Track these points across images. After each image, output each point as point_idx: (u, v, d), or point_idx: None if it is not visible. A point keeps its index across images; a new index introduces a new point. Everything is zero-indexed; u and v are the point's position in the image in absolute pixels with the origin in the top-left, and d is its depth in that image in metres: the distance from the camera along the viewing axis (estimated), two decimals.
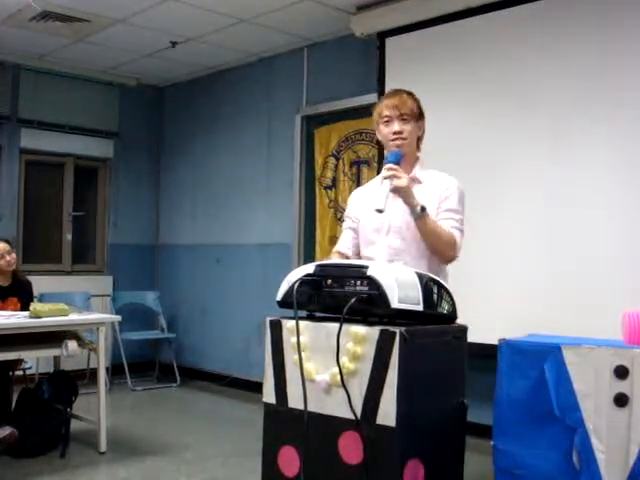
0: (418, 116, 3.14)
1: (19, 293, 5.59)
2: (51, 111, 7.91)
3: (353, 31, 6.04)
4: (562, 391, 2.41)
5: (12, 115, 7.68)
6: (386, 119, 3.11)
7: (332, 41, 6.69)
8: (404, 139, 3.08)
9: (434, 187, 3.06)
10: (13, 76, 7.69)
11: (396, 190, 2.87)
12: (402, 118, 3.08)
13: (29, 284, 5.76)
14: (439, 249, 2.97)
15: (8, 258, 5.51)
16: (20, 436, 5.06)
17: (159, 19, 6.32)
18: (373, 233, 3.12)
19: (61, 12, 6.19)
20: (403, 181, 2.87)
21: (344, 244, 3.29)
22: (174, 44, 7.03)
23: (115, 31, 6.67)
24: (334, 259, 3.18)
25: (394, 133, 3.07)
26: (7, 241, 5.65)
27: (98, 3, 5.99)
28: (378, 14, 5.79)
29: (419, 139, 3.21)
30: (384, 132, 3.13)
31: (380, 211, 2.84)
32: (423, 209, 2.88)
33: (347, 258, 3.22)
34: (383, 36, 5.88)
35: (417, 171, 3.13)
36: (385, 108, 3.12)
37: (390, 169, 2.89)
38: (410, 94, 3.17)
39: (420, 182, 3.08)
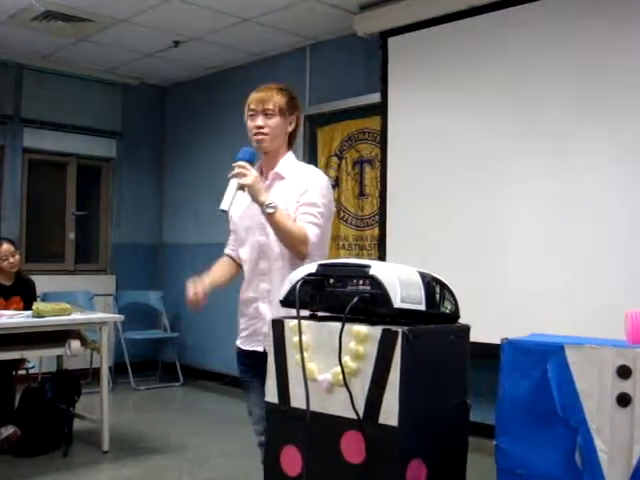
0: (287, 111, 3.08)
1: (22, 292, 5.61)
2: (54, 111, 7.92)
3: (356, 30, 6.04)
4: (565, 391, 2.40)
5: (15, 115, 7.70)
6: (251, 113, 3.08)
7: (335, 40, 6.69)
8: (265, 134, 3.03)
9: (295, 182, 3.00)
10: (16, 76, 7.70)
11: (242, 188, 2.84)
12: (265, 113, 3.04)
13: (32, 283, 5.78)
14: (290, 245, 2.89)
15: (11, 260, 5.52)
16: (23, 435, 5.08)
17: (161, 19, 6.33)
18: (244, 231, 3.11)
19: (64, 12, 6.20)
20: (248, 179, 2.82)
21: (229, 246, 3.32)
22: (177, 44, 7.04)
23: (118, 31, 6.67)
24: (221, 261, 3.29)
25: (256, 127, 3.04)
26: (11, 242, 5.67)
27: (101, 3, 6.00)
28: (381, 13, 5.79)
29: (291, 134, 3.14)
30: (249, 126, 3.08)
31: (224, 211, 2.85)
32: (269, 206, 2.81)
33: (232, 259, 3.28)
34: (386, 35, 5.88)
35: (281, 166, 3.07)
36: (251, 102, 3.09)
37: (238, 167, 2.86)
38: (281, 89, 3.13)
39: (283, 178, 3.04)
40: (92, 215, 8.51)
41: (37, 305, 5.06)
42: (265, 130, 3.03)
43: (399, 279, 2.34)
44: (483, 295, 4.94)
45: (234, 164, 2.88)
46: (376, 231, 6.14)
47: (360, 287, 2.39)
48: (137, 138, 8.57)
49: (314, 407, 2.40)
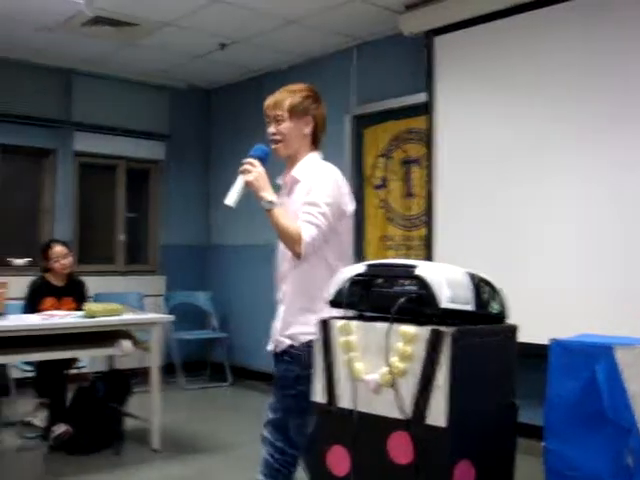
0: (300, 113, 3.05)
1: (74, 293, 5.70)
2: (104, 114, 8.03)
3: (401, 30, 6.02)
4: (614, 392, 2.38)
5: (66, 119, 7.82)
6: (267, 120, 3.09)
7: (381, 40, 6.68)
8: (278, 141, 3.04)
9: (306, 182, 2.97)
10: (67, 81, 7.83)
11: (247, 185, 2.89)
12: (276, 119, 3.05)
13: (83, 284, 5.87)
14: (285, 244, 2.88)
15: (64, 261, 5.62)
16: (75, 433, 5.16)
17: (207, 22, 6.38)
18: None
19: (112, 17, 6.29)
20: (250, 175, 2.87)
21: None
22: (223, 46, 7.08)
23: (164, 34, 6.75)
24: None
25: (270, 134, 3.06)
26: (64, 243, 5.77)
27: (147, 7, 6.07)
28: (426, 13, 5.77)
29: (314, 134, 3.13)
30: (267, 133, 3.09)
31: (226, 206, 2.89)
32: (267, 203, 2.84)
33: None
34: (431, 34, 5.85)
35: (297, 169, 3.04)
36: (264, 108, 3.10)
37: (246, 163, 2.91)
38: (293, 91, 3.11)
39: (299, 181, 3.00)
40: (142, 217, 8.62)
41: (89, 306, 5.14)
42: (277, 137, 3.04)
43: (446, 279, 2.34)
44: (531, 295, 4.89)
45: (243, 160, 2.92)
46: (423, 231, 6.12)
47: (407, 287, 2.40)
48: (185, 140, 8.65)
49: (361, 407, 2.41)
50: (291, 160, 3.07)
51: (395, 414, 2.31)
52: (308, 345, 2.84)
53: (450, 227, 5.69)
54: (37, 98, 7.60)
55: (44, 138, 7.72)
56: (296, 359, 2.91)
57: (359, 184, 6.92)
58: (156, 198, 8.62)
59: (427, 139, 5.98)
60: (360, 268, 2.60)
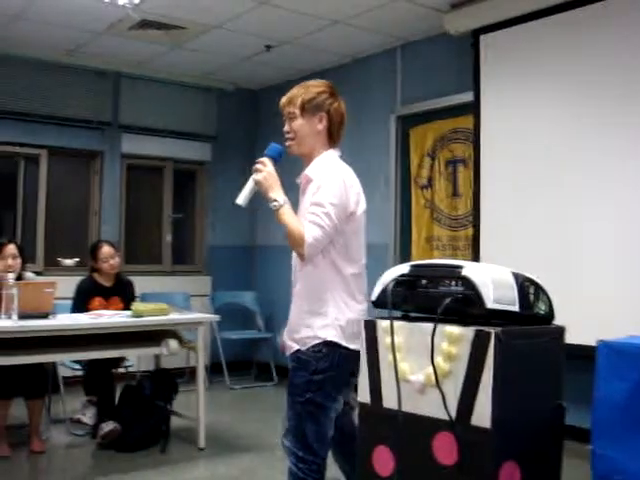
0: (311, 109, 2.98)
1: (122, 293, 5.77)
2: (151, 116, 8.12)
3: (447, 29, 5.99)
4: None
5: (113, 121, 7.92)
6: (283, 118, 3.05)
7: (426, 40, 6.66)
8: (291, 139, 3.00)
9: (316, 182, 2.90)
10: (114, 84, 7.93)
11: (256, 184, 2.90)
12: (289, 117, 3.00)
13: (131, 284, 5.93)
14: (291, 245, 2.85)
15: (111, 262, 5.68)
16: (123, 431, 5.22)
17: (253, 24, 6.41)
18: None
19: (159, 20, 6.36)
20: (259, 175, 2.87)
21: None
22: (269, 48, 7.12)
23: (211, 37, 6.80)
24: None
25: (285, 133, 3.02)
26: (111, 244, 5.84)
27: (194, 10, 6.13)
28: (472, 11, 5.73)
29: (330, 131, 3.04)
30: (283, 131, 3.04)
31: (237, 204, 2.92)
32: (274, 203, 2.85)
33: None
34: (477, 33, 5.81)
35: (310, 168, 2.98)
36: (280, 107, 3.07)
37: (258, 162, 2.91)
38: (307, 86, 3.05)
39: (311, 180, 2.94)
40: (188, 218, 8.69)
41: (136, 305, 5.20)
42: (290, 135, 3.01)
43: (492, 280, 2.33)
44: (578, 296, 4.84)
45: (257, 160, 2.91)
46: (470, 231, 6.09)
47: (452, 288, 2.39)
48: (231, 142, 8.70)
49: (406, 408, 2.41)
50: (307, 158, 3.03)
51: (440, 415, 2.31)
52: (314, 350, 2.84)
53: (496, 227, 5.65)
54: (85, 100, 7.71)
55: (92, 140, 7.83)
56: (304, 364, 2.87)
57: (405, 184, 6.90)
58: (202, 199, 8.69)
59: (473, 139, 5.94)
60: (404, 268, 2.59)
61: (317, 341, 2.83)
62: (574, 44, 5.17)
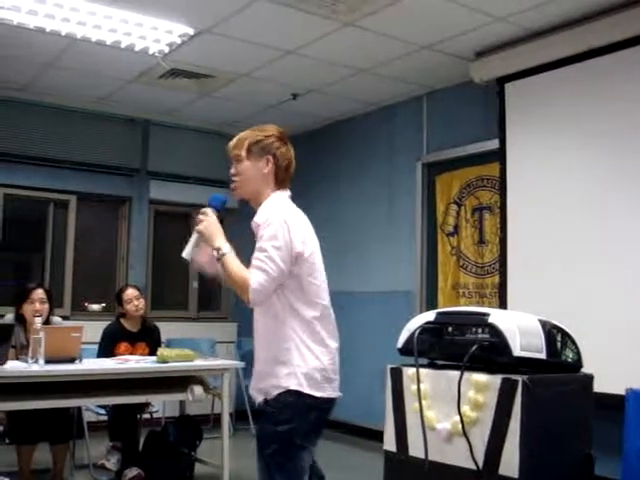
0: (258, 152, 2.95)
1: (147, 338, 5.79)
2: (178, 163, 8.22)
3: (472, 77, 6.03)
4: None
5: (142, 168, 8.02)
6: (231, 162, 3.00)
7: (451, 88, 6.70)
8: (235, 181, 2.97)
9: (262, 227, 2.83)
10: (143, 131, 8.05)
11: (198, 234, 2.86)
12: (236, 159, 2.96)
13: (157, 330, 5.95)
14: (237, 292, 2.78)
15: (136, 303, 5.72)
16: (146, 477, 5.20)
17: (280, 72, 6.50)
18: None
19: (188, 69, 6.47)
20: (202, 225, 2.84)
21: None
22: (295, 96, 7.20)
23: (238, 85, 6.89)
24: None
25: (231, 176, 2.99)
26: (137, 287, 5.88)
27: (222, 59, 6.23)
28: (497, 59, 5.77)
29: (277, 174, 2.97)
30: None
31: (183, 258, 2.87)
32: (217, 253, 2.78)
33: None
34: (502, 81, 5.84)
35: (258, 214, 2.92)
36: (227, 149, 3.04)
37: (200, 212, 2.88)
38: (254, 130, 3.04)
39: (259, 225, 2.86)
40: None
41: (162, 351, 5.20)
42: (236, 177, 2.97)
43: (519, 327, 2.31)
44: (607, 344, 4.77)
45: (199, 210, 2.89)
46: (497, 279, 6.05)
47: (479, 335, 2.38)
48: None
49: (433, 456, 2.38)
50: (254, 203, 2.98)
51: (467, 464, 2.28)
52: (278, 400, 2.75)
53: (523, 274, 5.61)
54: (115, 147, 7.84)
55: (121, 186, 7.93)
56: (268, 416, 2.80)
57: (431, 231, 6.90)
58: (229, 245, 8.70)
59: (500, 186, 5.94)
60: (430, 316, 2.59)
61: (280, 390, 2.74)
62: (599, 92, 5.18)
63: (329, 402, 2.71)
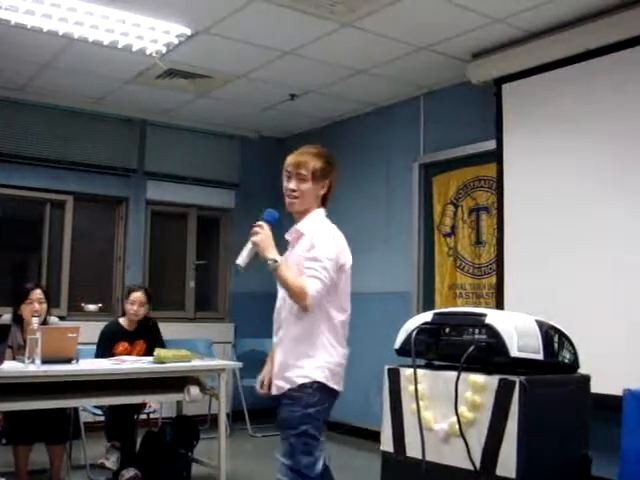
0: (320, 176, 3.24)
1: (145, 335, 5.78)
2: (175, 164, 8.21)
3: (469, 78, 6.03)
4: None
5: (139, 168, 8.01)
6: (287, 175, 3.27)
7: (448, 89, 6.71)
8: (296, 197, 3.23)
9: (308, 238, 3.16)
10: (140, 131, 8.04)
11: (254, 245, 3.11)
12: (299, 177, 3.21)
13: (155, 324, 5.94)
14: (292, 299, 3.05)
15: (136, 308, 5.71)
16: (143, 478, 5.19)
17: (278, 73, 6.50)
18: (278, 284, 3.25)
19: (185, 70, 6.47)
20: (257, 237, 3.10)
21: None
22: (293, 97, 7.20)
23: (236, 86, 6.89)
24: None
25: (289, 190, 3.24)
26: (146, 292, 5.85)
27: (220, 60, 6.23)
28: (494, 60, 5.77)
29: (325, 196, 3.32)
30: (284, 186, 3.29)
31: (238, 266, 3.15)
32: (272, 263, 3.04)
33: None
34: (499, 82, 5.84)
35: (302, 224, 3.25)
36: (287, 164, 3.28)
37: (256, 225, 3.14)
38: (317, 154, 3.29)
39: (302, 234, 3.21)
40: (211, 264, 8.72)
41: (159, 351, 5.20)
42: (296, 194, 3.23)
43: (516, 328, 2.32)
44: (604, 345, 4.78)
45: (256, 223, 3.15)
46: (493, 279, 6.06)
47: (476, 336, 2.38)
48: (255, 189, 8.74)
49: (430, 457, 2.39)
50: (300, 215, 3.28)
51: (464, 464, 2.28)
52: (301, 387, 3.05)
53: (520, 275, 5.62)
54: (111, 148, 7.83)
55: (117, 186, 7.92)
56: (296, 400, 3.06)
57: (428, 232, 6.90)
58: (226, 246, 8.72)
59: (497, 187, 5.95)
60: (427, 317, 2.59)
61: (307, 380, 3.04)
62: (596, 93, 5.19)
63: (338, 395, 3.08)
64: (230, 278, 8.65)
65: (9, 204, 7.45)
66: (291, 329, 3.15)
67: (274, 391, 3.19)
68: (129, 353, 5.59)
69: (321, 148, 3.38)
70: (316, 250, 3.07)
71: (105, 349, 5.56)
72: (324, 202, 3.34)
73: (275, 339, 3.27)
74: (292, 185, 3.22)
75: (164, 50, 5.96)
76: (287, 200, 3.25)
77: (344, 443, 7.20)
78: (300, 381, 3.05)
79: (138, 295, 5.76)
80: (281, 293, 3.22)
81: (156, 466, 5.24)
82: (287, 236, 3.33)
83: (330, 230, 3.22)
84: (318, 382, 3.03)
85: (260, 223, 3.14)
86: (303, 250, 3.13)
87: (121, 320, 5.80)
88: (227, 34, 5.64)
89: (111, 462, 5.45)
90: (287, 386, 3.10)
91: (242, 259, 3.14)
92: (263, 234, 3.10)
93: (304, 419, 3.00)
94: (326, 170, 3.28)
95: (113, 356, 5.40)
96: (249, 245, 3.15)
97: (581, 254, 5.20)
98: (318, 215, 3.28)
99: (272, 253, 3.07)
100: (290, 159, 3.28)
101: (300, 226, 3.24)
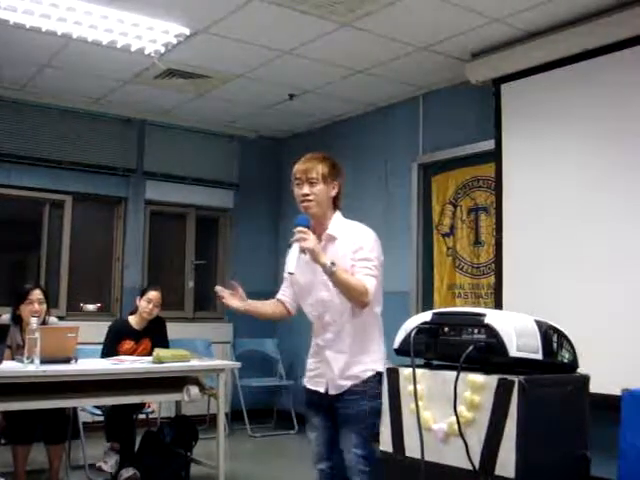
0: (329, 178, 3.37)
1: (151, 333, 5.78)
2: (174, 164, 8.21)
3: (468, 78, 6.03)
4: None
5: (138, 168, 8.01)
6: (297, 182, 3.38)
7: (447, 89, 6.71)
8: (310, 200, 3.32)
9: (348, 240, 3.27)
10: (139, 131, 8.03)
11: (304, 251, 3.14)
12: (310, 182, 3.33)
13: (162, 322, 5.94)
14: (352, 298, 3.14)
15: (151, 306, 5.72)
16: (142, 477, 5.19)
17: (277, 73, 6.50)
18: (305, 289, 3.39)
19: (184, 69, 6.47)
20: (309, 243, 3.12)
21: (280, 292, 3.64)
22: (292, 97, 7.20)
23: (235, 86, 6.89)
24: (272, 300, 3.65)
25: (302, 195, 3.34)
26: (163, 293, 5.85)
27: (219, 60, 6.23)
28: (492, 61, 5.77)
29: (336, 198, 3.42)
30: (296, 193, 3.39)
31: (291, 273, 3.22)
32: (332, 265, 3.08)
33: (282, 303, 3.60)
34: (499, 82, 5.84)
35: (332, 228, 3.35)
36: (295, 172, 3.41)
37: (299, 232, 3.15)
38: (323, 158, 3.42)
39: (335, 238, 3.31)
40: (210, 264, 8.72)
41: (157, 351, 5.20)
42: (311, 197, 3.33)
43: (515, 328, 2.32)
44: (603, 345, 4.78)
45: (295, 229, 3.18)
46: (492, 279, 6.06)
47: (475, 336, 2.38)
48: (254, 189, 8.76)
49: (429, 457, 2.38)
50: (319, 219, 3.35)
51: (463, 464, 2.28)
52: (369, 381, 3.17)
53: (519, 275, 5.62)
54: (110, 148, 7.82)
55: (116, 187, 7.92)
56: (362, 394, 3.16)
57: (427, 232, 6.90)
58: (225, 246, 8.73)
59: (495, 187, 5.95)
60: (426, 316, 2.59)
61: (370, 373, 3.17)
62: (595, 93, 5.19)
63: None
64: (229, 277, 8.64)
65: (8, 204, 7.45)
66: (346, 327, 3.24)
67: (333, 391, 3.25)
68: (134, 351, 5.61)
69: (325, 153, 3.51)
70: (364, 250, 3.22)
71: (111, 346, 5.58)
72: (335, 204, 3.43)
73: (320, 342, 3.33)
74: (305, 190, 3.33)
75: (163, 50, 5.96)
76: (303, 205, 3.33)
77: None
78: (364, 375, 3.17)
79: (156, 294, 5.77)
80: (322, 296, 3.29)
81: (155, 466, 5.25)
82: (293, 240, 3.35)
83: (370, 230, 3.38)
84: (380, 373, 3.12)
85: (303, 229, 3.18)
86: (348, 252, 3.23)
87: (130, 318, 5.82)
88: (226, 34, 5.64)
89: (109, 465, 5.42)
90: (349, 383, 3.19)
91: (293, 267, 3.19)
92: (313, 239, 3.15)
93: (373, 411, 3.07)
94: (334, 172, 3.40)
95: (118, 353, 5.44)
96: (296, 251, 3.19)
97: (580, 254, 5.20)
98: (341, 218, 3.41)
99: (325, 258, 3.13)
100: (298, 167, 3.40)
101: (331, 230, 3.33)
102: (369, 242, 3.28)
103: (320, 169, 3.35)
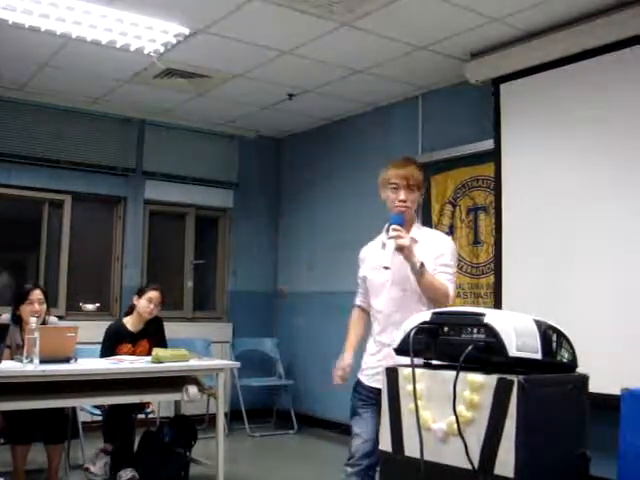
0: (422, 185, 3.52)
1: (149, 334, 5.76)
2: (174, 163, 8.22)
3: (467, 78, 6.03)
4: None
5: (137, 168, 8.01)
6: (394, 186, 3.47)
7: (446, 88, 6.71)
8: (407, 207, 3.45)
9: (430, 245, 3.42)
10: (138, 131, 8.04)
11: (400, 248, 3.21)
12: (409, 188, 3.45)
13: (160, 324, 5.91)
14: (436, 299, 3.29)
15: (152, 307, 5.69)
16: (141, 478, 5.18)
17: (276, 72, 6.50)
18: (379, 287, 3.48)
19: (183, 69, 6.47)
20: (406, 240, 3.22)
21: (359, 297, 3.76)
22: (291, 96, 7.20)
23: (234, 85, 6.89)
24: (354, 318, 3.77)
25: (400, 201, 3.44)
26: (162, 293, 5.83)
27: (218, 59, 6.23)
28: (492, 61, 5.77)
29: (418, 204, 3.60)
30: (391, 197, 3.48)
31: (387, 268, 3.25)
32: (422, 265, 3.22)
33: (362, 309, 3.72)
34: (498, 82, 5.84)
35: (414, 232, 3.46)
36: (394, 176, 3.47)
37: (395, 229, 3.25)
38: (418, 165, 3.56)
39: (417, 241, 3.39)
40: (210, 264, 8.72)
41: (156, 351, 5.20)
42: (408, 204, 3.45)
43: (514, 327, 2.31)
44: (603, 345, 4.78)
45: (391, 227, 3.27)
46: (492, 279, 6.06)
47: (474, 335, 2.38)
48: (253, 189, 8.77)
49: (428, 457, 2.38)
50: (407, 223, 3.42)
51: (463, 464, 2.28)
52: None
53: (518, 274, 5.62)
54: (110, 147, 7.83)
55: (116, 186, 7.92)
56: None
57: None
58: (224, 245, 8.73)
59: (494, 186, 5.95)
60: (426, 316, 2.59)
61: None
62: (595, 92, 5.19)
63: None
64: (228, 277, 8.65)
65: (7, 204, 7.45)
66: (407, 312, 3.26)
67: (380, 385, 3.27)
68: (132, 354, 5.58)
69: (412, 157, 3.73)
70: (445, 257, 3.41)
71: (108, 350, 5.53)
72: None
73: (386, 340, 3.36)
74: (403, 196, 3.42)
75: (162, 49, 5.96)
76: (399, 210, 3.41)
77: (341, 442, 7.19)
78: None
79: (156, 294, 5.73)
80: (397, 295, 3.38)
81: (154, 466, 5.24)
82: (385, 240, 3.42)
83: (449, 239, 3.62)
84: None
85: (398, 227, 3.26)
86: (430, 256, 3.33)
87: (126, 320, 5.77)
88: (225, 33, 5.64)
89: (97, 467, 5.38)
90: None
91: (389, 261, 3.24)
92: (409, 238, 3.25)
93: None
94: (423, 180, 3.54)
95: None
96: (391, 248, 3.24)
97: (580, 253, 5.20)
98: (419, 224, 3.59)
99: (417, 256, 3.24)
100: (397, 171, 3.46)
101: (413, 234, 3.42)
102: (450, 250, 3.47)
103: (417, 176, 3.47)
